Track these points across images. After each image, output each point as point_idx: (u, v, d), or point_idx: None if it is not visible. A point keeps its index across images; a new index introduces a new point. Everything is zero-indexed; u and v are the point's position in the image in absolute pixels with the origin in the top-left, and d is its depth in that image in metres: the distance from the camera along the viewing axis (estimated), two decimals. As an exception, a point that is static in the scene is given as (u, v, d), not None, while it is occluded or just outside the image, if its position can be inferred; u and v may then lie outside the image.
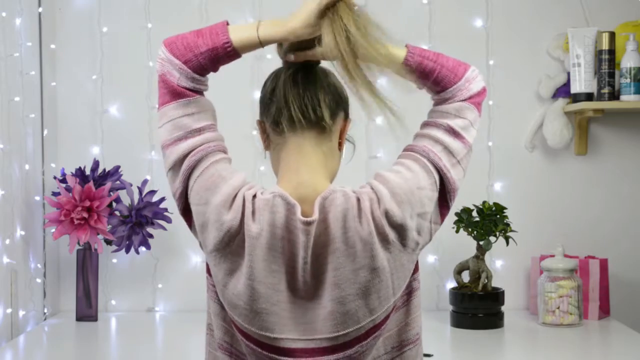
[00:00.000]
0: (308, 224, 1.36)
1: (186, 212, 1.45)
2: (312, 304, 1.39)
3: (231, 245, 1.38)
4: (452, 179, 1.47)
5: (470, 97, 1.49)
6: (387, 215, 1.38)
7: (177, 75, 1.41)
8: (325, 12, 1.39)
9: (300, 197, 1.40)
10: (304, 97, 1.43)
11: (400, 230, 1.39)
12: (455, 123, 1.48)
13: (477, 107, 1.50)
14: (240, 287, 1.38)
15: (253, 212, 1.37)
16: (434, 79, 1.49)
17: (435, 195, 1.45)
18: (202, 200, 1.40)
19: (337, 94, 1.48)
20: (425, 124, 1.53)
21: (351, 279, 1.37)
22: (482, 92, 1.51)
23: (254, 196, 1.39)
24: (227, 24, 1.43)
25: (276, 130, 1.45)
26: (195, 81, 1.42)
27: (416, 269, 1.46)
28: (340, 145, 1.50)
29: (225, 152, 1.45)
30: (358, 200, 1.39)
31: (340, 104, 1.48)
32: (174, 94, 1.42)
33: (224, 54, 1.41)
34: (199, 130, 1.42)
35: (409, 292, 1.46)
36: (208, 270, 1.47)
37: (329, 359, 1.39)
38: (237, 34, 1.41)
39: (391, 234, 1.39)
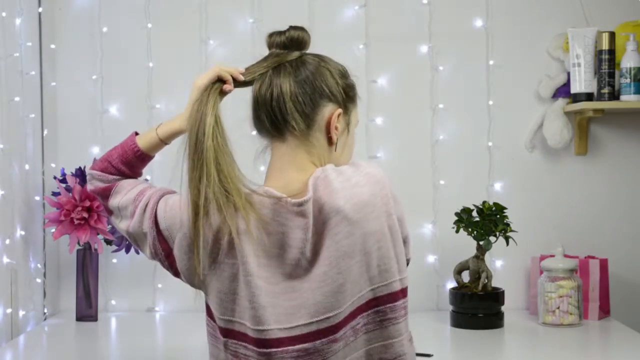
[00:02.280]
0: (301, 204, 1.39)
1: (171, 262, 1.49)
2: (318, 283, 1.39)
3: (221, 245, 1.40)
4: None
5: None
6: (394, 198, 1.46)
7: (100, 182, 1.59)
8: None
9: (290, 194, 1.42)
10: (271, 105, 1.47)
11: (402, 221, 1.47)
12: None
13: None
14: (243, 286, 1.39)
15: (236, 210, 1.38)
16: None
17: None
18: (176, 225, 1.45)
19: (316, 90, 1.46)
20: None
21: (356, 246, 1.39)
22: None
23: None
24: (137, 133, 1.61)
25: (261, 136, 1.52)
26: (114, 180, 1.59)
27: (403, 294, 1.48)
28: (330, 139, 1.49)
29: (175, 192, 1.53)
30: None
31: (322, 98, 1.47)
32: (105, 193, 1.59)
33: (133, 155, 1.58)
34: (141, 193, 1.54)
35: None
36: (208, 312, 1.48)
37: (335, 337, 1.40)
38: (142, 138, 1.59)
39: (395, 214, 1.45)
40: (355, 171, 1.43)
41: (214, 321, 1.47)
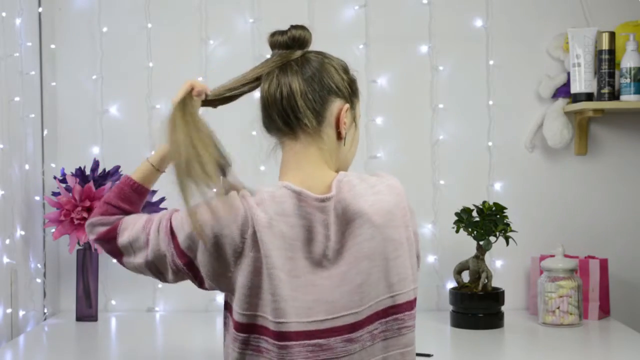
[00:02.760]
0: (323, 200, 1.41)
1: (195, 272, 1.47)
2: (337, 281, 1.42)
3: (246, 240, 1.40)
4: None
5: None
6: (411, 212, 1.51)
7: (102, 227, 1.56)
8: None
9: (308, 188, 1.44)
10: (282, 104, 1.48)
11: (417, 236, 1.54)
12: None
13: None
14: (266, 279, 1.39)
15: (258, 204, 1.40)
16: None
17: None
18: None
19: (324, 87, 1.49)
20: None
21: (377, 250, 1.43)
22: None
23: (256, 192, 1.43)
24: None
25: (270, 135, 1.53)
26: (117, 219, 1.56)
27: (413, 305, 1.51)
28: (339, 134, 1.51)
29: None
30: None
31: (330, 94, 1.49)
32: (112, 234, 1.55)
33: (130, 189, 1.58)
34: (148, 221, 1.52)
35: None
36: (227, 307, 1.48)
37: (350, 337, 1.42)
38: (136, 172, 1.60)
39: (411, 227, 1.49)
40: (378, 180, 1.48)
41: (233, 321, 1.46)
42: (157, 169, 1.60)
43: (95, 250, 2.54)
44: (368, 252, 1.42)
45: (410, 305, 1.48)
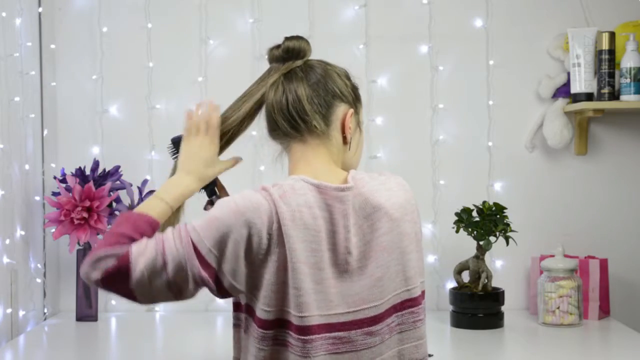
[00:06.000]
0: (342, 190, 1.43)
1: (219, 283, 1.41)
2: (357, 275, 1.44)
3: (272, 236, 1.40)
4: None
5: None
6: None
7: (110, 261, 1.39)
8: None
9: (324, 181, 1.45)
10: (288, 109, 1.49)
11: (421, 234, 1.56)
12: None
13: None
14: (290, 273, 1.39)
15: (281, 196, 1.40)
16: None
17: None
18: (224, 236, 1.38)
19: (329, 91, 1.50)
20: None
21: (394, 243, 1.46)
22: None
23: (274, 185, 1.43)
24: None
25: (276, 141, 1.54)
26: (126, 248, 1.41)
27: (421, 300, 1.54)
28: (345, 139, 1.52)
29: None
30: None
31: (335, 99, 1.51)
32: (123, 266, 1.38)
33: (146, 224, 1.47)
34: (158, 242, 1.41)
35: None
36: (239, 309, 1.47)
37: (370, 330, 1.44)
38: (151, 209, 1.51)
39: (418, 224, 1.53)
40: (386, 178, 1.51)
41: (256, 320, 1.43)
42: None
43: (95, 250, 2.53)
44: (386, 246, 1.45)
45: (422, 298, 1.52)
